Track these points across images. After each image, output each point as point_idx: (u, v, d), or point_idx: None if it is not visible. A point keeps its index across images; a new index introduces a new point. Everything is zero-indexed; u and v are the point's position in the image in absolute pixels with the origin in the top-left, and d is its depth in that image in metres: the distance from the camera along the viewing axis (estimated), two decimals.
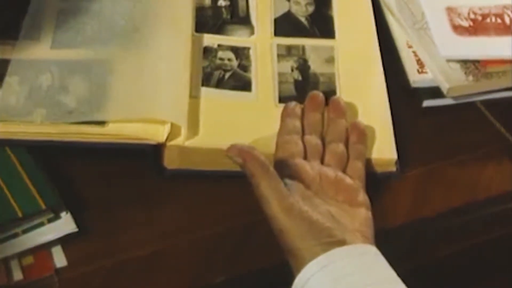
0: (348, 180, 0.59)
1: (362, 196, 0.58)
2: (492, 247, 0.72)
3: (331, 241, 0.52)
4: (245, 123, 0.64)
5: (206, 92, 0.66)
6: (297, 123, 0.63)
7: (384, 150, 0.64)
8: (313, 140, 0.62)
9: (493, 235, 0.70)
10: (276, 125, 0.64)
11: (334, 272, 0.51)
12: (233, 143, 0.57)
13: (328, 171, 0.59)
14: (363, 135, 0.63)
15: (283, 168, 0.58)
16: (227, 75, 0.68)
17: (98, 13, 0.70)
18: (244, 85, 0.67)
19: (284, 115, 0.64)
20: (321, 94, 0.65)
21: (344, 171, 0.60)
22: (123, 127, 0.61)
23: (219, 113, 0.65)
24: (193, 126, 0.63)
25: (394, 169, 0.65)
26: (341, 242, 0.52)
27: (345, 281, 0.51)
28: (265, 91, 0.67)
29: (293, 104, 0.64)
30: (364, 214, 0.57)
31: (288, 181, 0.57)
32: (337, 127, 0.63)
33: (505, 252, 0.73)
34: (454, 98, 0.71)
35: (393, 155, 0.64)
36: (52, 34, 0.68)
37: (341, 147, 0.61)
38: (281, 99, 0.67)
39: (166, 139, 0.61)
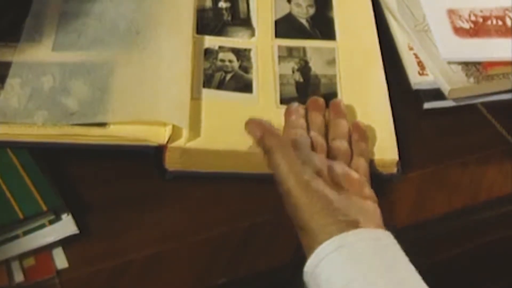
0: (354, 173, 0.58)
1: (369, 190, 0.58)
2: (494, 249, 0.72)
3: (347, 220, 0.52)
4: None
5: (207, 94, 0.66)
6: (302, 120, 0.63)
7: (385, 151, 0.64)
8: (318, 137, 0.62)
9: (494, 237, 0.70)
10: (277, 126, 0.64)
11: (350, 254, 0.51)
12: (251, 118, 0.57)
13: (335, 164, 0.58)
14: (364, 133, 0.63)
15: None
16: (228, 76, 0.68)
17: (99, 16, 0.70)
18: (245, 86, 0.67)
19: (288, 114, 0.64)
20: (321, 99, 0.65)
21: (348, 166, 0.60)
22: (125, 128, 0.62)
23: (220, 114, 0.65)
24: (195, 127, 0.63)
25: (395, 170, 0.65)
26: (356, 224, 0.52)
27: (360, 264, 0.50)
28: (266, 93, 0.67)
29: (295, 104, 0.64)
30: (372, 206, 0.56)
31: None
32: (339, 127, 0.63)
33: (507, 254, 0.73)
34: (455, 100, 0.71)
35: (395, 156, 0.64)
36: (53, 36, 0.68)
37: (344, 144, 0.61)
38: (282, 101, 0.67)
39: (168, 141, 0.61)
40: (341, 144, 0.61)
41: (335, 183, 0.57)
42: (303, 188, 0.53)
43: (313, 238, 0.52)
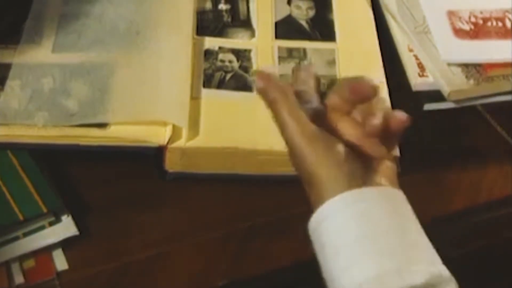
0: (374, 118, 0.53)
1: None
2: (495, 251, 0.72)
3: (356, 173, 0.50)
4: (246, 123, 0.64)
5: (207, 93, 0.66)
6: (312, 80, 0.57)
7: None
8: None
9: (495, 239, 0.70)
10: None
11: (358, 212, 0.49)
12: (259, 70, 0.56)
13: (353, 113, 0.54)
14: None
15: None
16: (228, 76, 0.68)
17: (99, 17, 0.70)
18: (245, 85, 0.67)
19: (297, 69, 0.59)
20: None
21: None
22: (125, 130, 0.62)
23: (220, 114, 0.65)
24: (194, 127, 0.63)
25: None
26: (366, 179, 0.51)
27: (369, 223, 0.49)
28: None
29: (307, 64, 0.63)
30: (387, 163, 0.54)
31: None
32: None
33: (507, 256, 0.73)
34: (455, 101, 0.71)
35: (396, 154, 0.64)
36: (53, 38, 0.68)
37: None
38: None
39: (168, 141, 0.61)
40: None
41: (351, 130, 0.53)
42: (308, 138, 0.51)
43: (320, 191, 0.50)
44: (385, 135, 0.53)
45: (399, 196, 0.51)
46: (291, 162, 0.53)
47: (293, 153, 0.52)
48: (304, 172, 0.52)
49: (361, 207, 0.49)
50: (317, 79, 0.58)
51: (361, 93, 0.53)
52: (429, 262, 0.49)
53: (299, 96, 0.56)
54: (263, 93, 0.54)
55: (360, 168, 0.51)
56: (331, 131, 0.53)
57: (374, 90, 0.53)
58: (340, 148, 0.51)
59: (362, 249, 0.48)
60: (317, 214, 0.50)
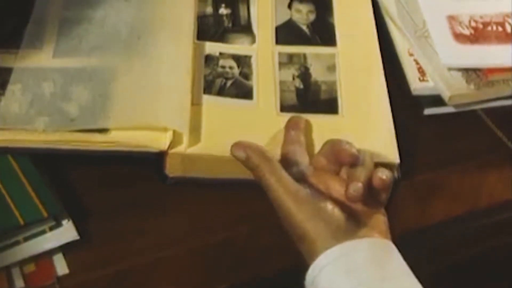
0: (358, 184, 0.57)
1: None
2: (495, 256, 0.72)
3: (345, 227, 0.53)
4: (246, 130, 0.65)
5: (208, 100, 0.66)
6: (301, 137, 0.63)
7: (386, 156, 0.64)
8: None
9: (495, 244, 0.70)
10: (277, 132, 0.64)
11: (348, 264, 0.51)
12: (235, 142, 0.58)
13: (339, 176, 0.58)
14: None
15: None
16: (229, 83, 0.68)
17: (100, 22, 0.70)
18: (245, 93, 0.67)
19: (287, 129, 0.64)
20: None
21: None
22: (126, 135, 0.62)
23: (220, 120, 0.65)
24: (195, 133, 0.63)
25: (395, 175, 0.64)
26: (356, 232, 0.53)
27: (358, 274, 0.51)
28: (267, 99, 0.67)
29: (296, 117, 0.64)
30: (379, 218, 0.56)
31: None
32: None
33: (507, 261, 0.73)
34: (455, 106, 0.71)
35: (395, 160, 0.64)
36: (54, 43, 0.68)
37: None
38: (283, 107, 0.67)
39: (168, 147, 0.61)
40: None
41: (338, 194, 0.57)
42: (293, 197, 0.54)
43: (311, 246, 0.53)
44: (372, 192, 0.55)
45: (388, 246, 0.53)
46: (282, 222, 0.55)
47: (280, 212, 0.55)
48: (293, 229, 0.54)
49: (349, 258, 0.51)
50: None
51: (343, 160, 0.57)
52: None
53: (287, 156, 0.60)
54: (245, 162, 0.57)
55: (349, 222, 0.54)
56: (319, 189, 0.56)
57: (355, 158, 0.56)
58: (327, 205, 0.54)
59: None
60: (311, 269, 0.52)
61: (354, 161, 0.56)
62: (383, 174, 0.55)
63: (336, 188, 0.57)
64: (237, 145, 0.58)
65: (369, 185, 0.55)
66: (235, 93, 0.67)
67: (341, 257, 0.51)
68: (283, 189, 0.54)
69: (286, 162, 0.60)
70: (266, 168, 0.56)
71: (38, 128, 0.61)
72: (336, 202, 0.55)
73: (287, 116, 0.66)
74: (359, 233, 0.53)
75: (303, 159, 0.60)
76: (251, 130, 0.65)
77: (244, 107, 0.67)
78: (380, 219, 0.56)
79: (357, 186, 0.53)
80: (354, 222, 0.54)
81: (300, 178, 0.57)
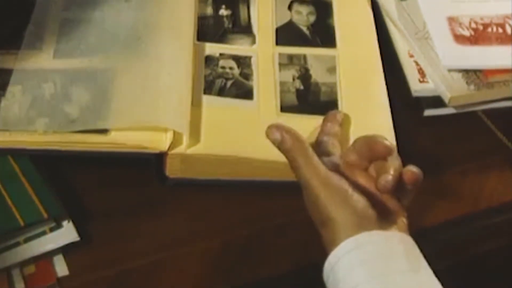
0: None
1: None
2: (495, 258, 0.72)
3: (369, 221, 0.53)
4: (246, 131, 0.65)
5: (208, 100, 0.66)
6: (337, 128, 0.63)
7: None
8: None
9: (495, 245, 0.70)
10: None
11: (369, 253, 0.51)
12: (270, 124, 0.58)
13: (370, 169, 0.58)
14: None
15: None
16: (229, 83, 0.68)
17: (100, 23, 0.70)
18: (245, 93, 0.67)
19: (324, 120, 0.64)
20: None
21: None
22: (126, 136, 0.62)
23: (220, 120, 0.65)
24: (195, 134, 0.63)
25: None
26: (379, 227, 0.53)
27: (379, 265, 0.51)
28: (267, 100, 0.67)
29: (334, 112, 0.65)
30: (401, 220, 0.56)
31: None
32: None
33: (507, 263, 0.73)
34: (456, 107, 0.71)
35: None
36: (54, 44, 0.68)
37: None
38: (283, 108, 0.67)
39: (169, 148, 0.61)
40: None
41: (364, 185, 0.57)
42: (323, 181, 0.54)
43: (334, 233, 0.53)
44: (400, 189, 0.56)
45: (408, 241, 0.54)
46: (306, 204, 0.55)
47: (308, 196, 0.55)
48: (319, 214, 0.54)
49: (371, 248, 0.52)
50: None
51: (378, 152, 0.57)
52: None
53: (320, 145, 0.60)
54: (279, 144, 0.57)
55: (373, 215, 0.53)
56: (348, 180, 0.56)
57: (390, 150, 0.57)
58: (354, 194, 0.54)
59: None
60: (331, 256, 0.52)
61: (389, 153, 0.57)
62: (414, 168, 0.56)
63: (363, 183, 0.57)
64: (272, 127, 0.58)
65: (398, 180, 0.55)
66: (235, 93, 0.67)
67: (362, 246, 0.52)
68: (314, 173, 0.54)
69: (319, 151, 0.60)
70: (299, 151, 0.56)
71: (38, 129, 0.61)
72: (363, 194, 0.55)
73: (287, 116, 0.66)
74: (381, 226, 0.53)
75: (335, 151, 0.60)
76: (251, 130, 0.65)
77: (244, 107, 0.67)
78: (401, 217, 0.56)
79: (388, 177, 0.54)
80: (378, 215, 0.54)
81: (331, 169, 0.56)
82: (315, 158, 0.55)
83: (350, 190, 0.54)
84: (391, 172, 0.55)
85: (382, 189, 0.54)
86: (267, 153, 0.62)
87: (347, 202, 0.53)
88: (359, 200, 0.54)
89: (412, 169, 0.56)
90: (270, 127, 0.58)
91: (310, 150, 0.56)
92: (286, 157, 0.57)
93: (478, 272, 0.73)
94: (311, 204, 0.55)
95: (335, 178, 0.54)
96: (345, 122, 0.66)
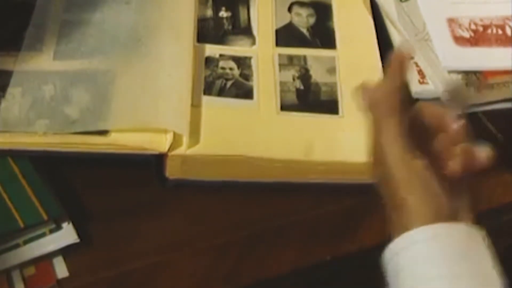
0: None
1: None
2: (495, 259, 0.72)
3: (446, 207, 0.49)
4: (246, 130, 0.65)
5: (208, 101, 0.66)
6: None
7: None
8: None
9: (495, 247, 0.70)
10: (277, 133, 0.64)
11: (447, 246, 0.48)
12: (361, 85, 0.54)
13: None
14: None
15: None
16: (229, 83, 0.68)
17: (100, 24, 0.70)
18: (245, 93, 0.68)
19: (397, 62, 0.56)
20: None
21: None
22: (126, 137, 0.62)
23: (220, 121, 0.65)
24: (195, 134, 0.63)
25: None
26: (454, 214, 0.50)
27: (456, 261, 0.48)
28: (267, 99, 0.67)
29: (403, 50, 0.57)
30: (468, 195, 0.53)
31: None
32: None
33: (507, 265, 0.73)
34: (455, 109, 0.71)
35: None
36: (54, 45, 0.68)
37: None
38: (283, 107, 0.67)
39: (169, 149, 0.61)
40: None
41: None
42: (405, 164, 0.50)
43: (406, 218, 0.49)
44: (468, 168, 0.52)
45: (484, 239, 0.51)
46: (380, 183, 0.52)
47: (384, 175, 0.51)
48: (393, 196, 0.50)
49: (449, 242, 0.48)
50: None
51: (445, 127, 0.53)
52: None
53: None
54: (367, 109, 0.53)
55: (449, 202, 0.50)
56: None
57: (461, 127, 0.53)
58: (436, 180, 0.51)
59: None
60: (399, 240, 0.49)
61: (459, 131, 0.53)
62: (487, 151, 0.53)
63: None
64: (364, 88, 0.54)
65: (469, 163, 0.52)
66: (235, 94, 0.67)
67: (436, 238, 0.48)
68: (397, 153, 0.50)
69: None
70: (385, 125, 0.51)
71: (38, 131, 0.61)
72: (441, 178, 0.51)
73: (287, 115, 0.66)
74: (456, 216, 0.50)
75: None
76: (252, 129, 0.65)
77: (244, 107, 0.67)
78: (468, 204, 0.53)
79: (456, 165, 0.51)
80: (454, 204, 0.51)
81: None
82: (403, 127, 0.51)
83: (433, 176, 0.50)
84: (463, 154, 0.51)
85: (452, 173, 0.51)
86: (268, 153, 0.62)
87: (426, 190, 0.50)
88: (440, 189, 0.50)
89: (485, 153, 0.53)
90: (362, 87, 0.53)
91: (398, 126, 0.51)
92: (371, 113, 0.52)
93: None
94: (384, 182, 0.51)
95: (420, 164, 0.50)
96: (346, 125, 0.66)
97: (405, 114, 0.53)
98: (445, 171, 0.51)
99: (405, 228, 0.49)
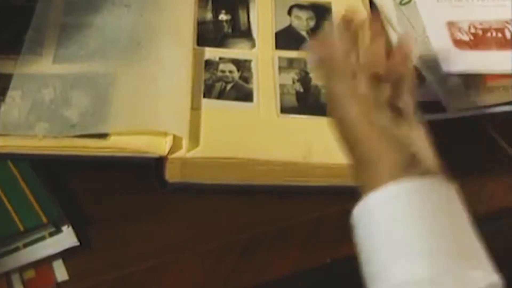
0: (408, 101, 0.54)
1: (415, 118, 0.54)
2: (494, 262, 0.72)
3: (411, 158, 0.49)
4: (246, 133, 0.65)
5: (208, 104, 0.66)
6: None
7: None
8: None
9: (494, 250, 0.70)
10: (277, 135, 0.64)
11: (419, 204, 0.47)
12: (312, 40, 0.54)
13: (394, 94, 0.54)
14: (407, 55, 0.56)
15: None
16: (229, 86, 0.68)
17: (100, 28, 0.70)
18: (245, 95, 0.68)
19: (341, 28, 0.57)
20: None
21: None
22: (125, 140, 0.62)
23: (220, 123, 0.65)
24: (195, 137, 0.63)
25: None
26: (423, 168, 0.49)
27: (429, 218, 0.47)
28: (267, 102, 0.67)
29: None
30: (424, 134, 0.52)
31: None
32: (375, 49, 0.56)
33: (507, 267, 0.73)
34: (455, 112, 0.71)
35: None
36: (54, 49, 0.68)
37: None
38: (283, 109, 0.67)
39: (168, 152, 0.62)
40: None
41: (396, 112, 0.52)
42: (367, 121, 0.50)
43: (376, 173, 0.48)
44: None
45: (457, 193, 0.49)
46: (341, 138, 0.51)
47: (345, 132, 0.51)
48: (360, 152, 0.50)
49: (421, 198, 0.47)
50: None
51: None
52: (486, 270, 0.47)
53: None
54: (319, 66, 0.54)
55: (415, 150, 0.49)
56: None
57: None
58: (396, 129, 0.50)
59: (419, 246, 0.46)
60: (371, 197, 0.48)
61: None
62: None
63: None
64: (312, 43, 0.55)
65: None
66: (235, 96, 0.67)
67: (415, 194, 0.47)
68: (356, 109, 0.50)
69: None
70: (339, 81, 0.51)
71: (38, 134, 0.61)
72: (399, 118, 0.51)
73: (287, 118, 0.66)
74: (425, 166, 0.49)
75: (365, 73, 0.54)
76: (251, 132, 0.65)
77: (244, 110, 0.67)
78: (423, 134, 0.52)
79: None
80: (416, 149, 0.50)
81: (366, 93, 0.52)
82: (362, 86, 0.51)
83: (394, 128, 0.49)
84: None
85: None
86: (267, 155, 0.62)
87: (393, 141, 0.49)
88: (403, 138, 0.49)
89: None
90: (310, 43, 0.54)
91: (352, 81, 0.51)
92: (324, 81, 0.52)
93: None
94: (350, 141, 0.51)
95: (379, 117, 0.50)
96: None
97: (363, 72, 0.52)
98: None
99: (375, 184, 0.48)
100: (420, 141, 0.51)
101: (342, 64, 0.53)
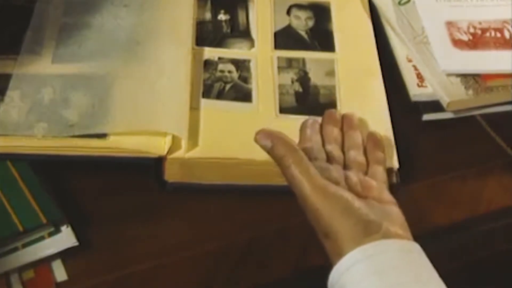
0: (371, 181, 0.57)
1: (387, 195, 0.56)
2: (494, 263, 0.72)
3: (370, 220, 0.51)
4: (245, 133, 0.64)
5: (207, 104, 0.66)
6: (317, 136, 0.61)
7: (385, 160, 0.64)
8: (334, 149, 0.60)
9: (494, 251, 0.70)
10: None
11: (379, 264, 0.49)
12: (260, 130, 0.56)
13: (351, 174, 0.57)
14: (380, 142, 0.62)
15: None
16: (228, 86, 0.68)
17: (99, 28, 0.70)
18: (244, 95, 0.68)
19: (303, 129, 0.62)
20: (336, 111, 0.64)
21: (365, 175, 0.59)
22: (125, 140, 0.62)
23: (219, 124, 0.65)
24: (194, 137, 0.63)
25: (395, 180, 0.64)
26: (380, 226, 0.51)
27: (390, 276, 0.49)
28: (266, 102, 0.67)
29: (311, 119, 0.63)
30: (395, 210, 0.54)
31: None
32: (354, 138, 0.61)
33: (506, 268, 0.73)
34: (454, 112, 0.71)
35: (395, 165, 0.64)
36: (53, 49, 0.68)
37: (360, 154, 0.60)
38: (282, 110, 0.67)
39: (167, 152, 0.61)
40: (356, 154, 0.60)
41: (353, 191, 0.55)
42: (320, 192, 0.52)
43: (338, 244, 0.51)
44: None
45: (417, 249, 0.52)
46: (307, 216, 0.53)
47: (307, 207, 0.53)
48: (319, 225, 0.52)
49: (381, 258, 0.50)
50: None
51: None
52: None
53: (305, 153, 0.57)
54: (270, 151, 0.55)
55: (375, 218, 0.52)
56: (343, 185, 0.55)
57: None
58: (356, 203, 0.52)
59: None
60: (338, 266, 0.50)
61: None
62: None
63: (355, 179, 0.56)
64: (262, 133, 0.56)
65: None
66: (234, 96, 0.67)
67: (372, 257, 0.49)
68: (310, 182, 0.52)
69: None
70: (292, 158, 0.53)
71: (37, 134, 0.61)
72: (358, 195, 0.54)
73: (286, 118, 0.66)
74: (387, 231, 0.51)
75: (320, 156, 0.58)
76: (250, 132, 0.64)
77: (243, 110, 0.67)
78: (398, 212, 0.54)
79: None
80: (380, 219, 0.52)
81: (320, 171, 0.55)
82: (311, 166, 0.53)
83: (350, 197, 0.52)
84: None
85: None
86: (266, 155, 0.62)
87: (348, 212, 0.51)
88: (360, 207, 0.52)
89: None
90: (259, 133, 0.56)
91: (305, 157, 0.54)
92: (279, 165, 0.55)
93: (478, 277, 0.73)
94: (310, 215, 0.53)
95: (333, 187, 0.53)
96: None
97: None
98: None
99: (340, 254, 0.50)
100: (382, 210, 0.54)
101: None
